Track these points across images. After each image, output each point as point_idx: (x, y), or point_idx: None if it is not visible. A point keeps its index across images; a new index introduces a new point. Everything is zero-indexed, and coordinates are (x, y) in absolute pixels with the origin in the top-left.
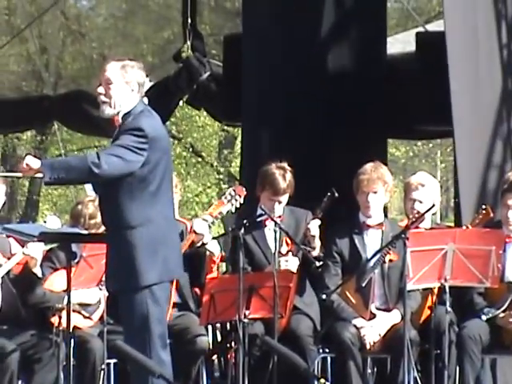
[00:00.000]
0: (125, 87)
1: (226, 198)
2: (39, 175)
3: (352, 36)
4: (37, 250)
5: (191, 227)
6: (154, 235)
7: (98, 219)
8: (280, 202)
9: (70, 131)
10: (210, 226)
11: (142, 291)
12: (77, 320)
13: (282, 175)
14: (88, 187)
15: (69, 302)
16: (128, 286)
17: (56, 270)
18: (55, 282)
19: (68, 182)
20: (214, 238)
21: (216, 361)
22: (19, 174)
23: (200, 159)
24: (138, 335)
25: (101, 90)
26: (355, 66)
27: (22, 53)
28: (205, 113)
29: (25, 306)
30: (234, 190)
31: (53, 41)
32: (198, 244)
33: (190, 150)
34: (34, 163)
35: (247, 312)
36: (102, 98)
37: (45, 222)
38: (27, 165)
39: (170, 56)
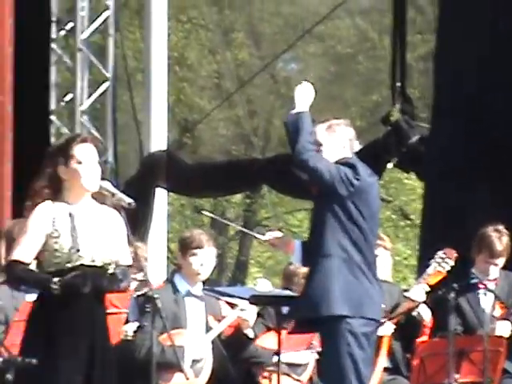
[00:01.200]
0: (335, 146)
1: (436, 261)
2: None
3: None
4: (250, 312)
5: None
6: (351, 268)
7: None
8: (496, 265)
9: (278, 194)
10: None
11: (335, 322)
12: (286, 382)
13: (499, 238)
14: (296, 258)
15: (278, 364)
16: (320, 313)
17: (268, 329)
18: (266, 340)
19: (292, 138)
20: (424, 303)
21: None
22: (262, 237)
23: (409, 222)
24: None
25: None
26: None
27: (231, 117)
28: (414, 175)
29: (235, 363)
30: (445, 253)
31: (262, 104)
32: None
33: (399, 212)
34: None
35: (457, 376)
36: None
37: (255, 285)
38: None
39: (378, 119)
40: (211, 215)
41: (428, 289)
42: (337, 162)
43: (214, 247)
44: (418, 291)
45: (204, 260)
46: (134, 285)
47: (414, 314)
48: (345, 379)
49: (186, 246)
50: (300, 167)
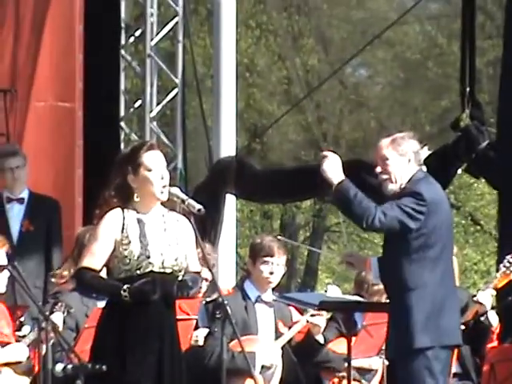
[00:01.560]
0: (401, 160)
1: (504, 265)
2: None
3: None
4: (320, 318)
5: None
6: (430, 300)
7: (381, 285)
8: None
9: None
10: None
11: (416, 356)
12: None
13: None
14: (374, 275)
15: (349, 371)
16: (402, 347)
17: (341, 333)
18: (337, 345)
19: (348, 212)
20: (492, 308)
21: None
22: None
23: (479, 227)
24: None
25: (379, 169)
26: None
27: (300, 122)
28: (483, 181)
29: (305, 369)
30: None
31: (331, 110)
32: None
33: (469, 218)
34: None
35: None
36: (382, 176)
37: (325, 291)
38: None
39: (448, 125)
40: (287, 240)
41: (494, 292)
42: (400, 192)
43: (285, 255)
44: (486, 295)
45: (274, 268)
46: (204, 290)
47: (482, 318)
48: None
49: (256, 253)
50: (373, 230)
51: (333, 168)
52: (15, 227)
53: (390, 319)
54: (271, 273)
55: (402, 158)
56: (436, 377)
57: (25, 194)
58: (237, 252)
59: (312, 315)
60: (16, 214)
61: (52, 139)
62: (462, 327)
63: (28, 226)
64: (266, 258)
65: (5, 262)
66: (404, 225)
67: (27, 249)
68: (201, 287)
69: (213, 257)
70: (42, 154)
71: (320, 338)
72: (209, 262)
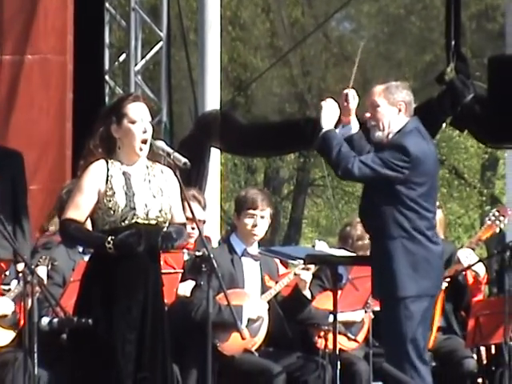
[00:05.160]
0: (391, 109)
1: (489, 219)
2: None
3: None
4: (307, 272)
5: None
6: (412, 249)
7: (366, 240)
8: None
9: None
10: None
11: (398, 304)
12: (342, 342)
13: None
14: None
15: (335, 325)
16: (385, 295)
17: (325, 289)
18: (322, 301)
19: (326, 158)
20: (479, 261)
21: None
22: None
23: (463, 181)
24: (394, 353)
25: (368, 114)
26: None
27: (285, 75)
28: (467, 134)
29: (291, 324)
30: (498, 211)
31: (315, 63)
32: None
33: (453, 172)
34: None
35: None
36: (371, 122)
37: (313, 246)
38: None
39: (432, 79)
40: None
41: (476, 246)
42: (387, 143)
43: (270, 207)
44: (464, 253)
45: (258, 220)
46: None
47: (460, 278)
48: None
49: (241, 207)
50: (348, 179)
51: (328, 115)
52: None
53: (373, 267)
54: (254, 225)
55: (392, 108)
56: (415, 321)
57: None
58: (220, 206)
59: (299, 269)
60: None
61: (43, 92)
62: (445, 284)
63: None
64: (250, 211)
65: None
66: (381, 175)
67: None
68: (186, 239)
69: (203, 202)
70: (34, 107)
71: (307, 294)
72: (195, 217)
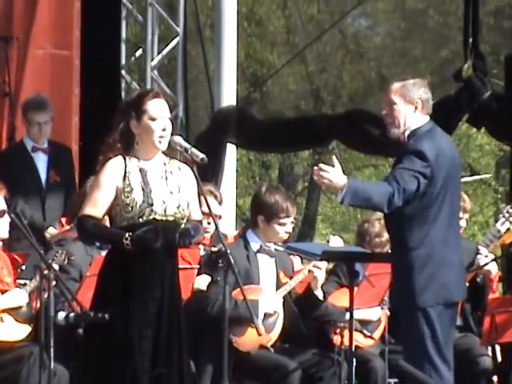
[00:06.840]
0: (407, 106)
1: (503, 216)
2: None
3: None
4: (320, 271)
5: None
6: (431, 257)
7: (384, 238)
8: None
9: (347, 149)
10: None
11: (417, 314)
12: (358, 339)
13: None
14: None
15: (351, 321)
16: (404, 305)
17: (342, 286)
18: (338, 297)
19: (370, 208)
20: (493, 260)
21: (496, 382)
22: None
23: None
24: (414, 356)
25: (385, 111)
26: None
27: (300, 72)
28: (483, 131)
29: (306, 321)
30: None
31: (331, 60)
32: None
33: (468, 169)
34: (339, 179)
35: None
36: (387, 119)
37: (328, 241)
38: (330, 180)
39: (449, 75)
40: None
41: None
42: (403, 149)
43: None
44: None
45: (288, 226)
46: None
47: (478, 279)
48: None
49: (272, 214)
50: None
51: (334, 176)
52: (42, 177)
53: (393, 275)
54: (286, 232)
55: (409, 105)
56: (436, 328)
57: (45, 143)
58: (236, 201)
59: (313, 266)
60: (41, 164)
61: (50, 87)
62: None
63: (55, 178)
64: (283, 220)
65: (4, 206)
66: (413, 190)
67: (52, 198)
68: (203, 236)
69: (219, 198)
70: None
71: (319, 294)
72: (212, 212)
